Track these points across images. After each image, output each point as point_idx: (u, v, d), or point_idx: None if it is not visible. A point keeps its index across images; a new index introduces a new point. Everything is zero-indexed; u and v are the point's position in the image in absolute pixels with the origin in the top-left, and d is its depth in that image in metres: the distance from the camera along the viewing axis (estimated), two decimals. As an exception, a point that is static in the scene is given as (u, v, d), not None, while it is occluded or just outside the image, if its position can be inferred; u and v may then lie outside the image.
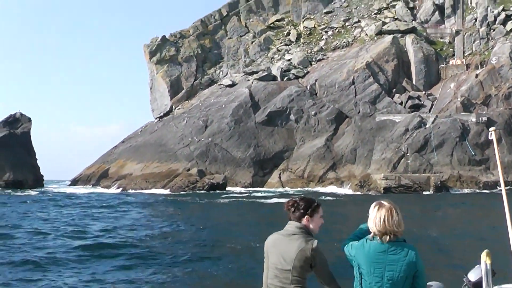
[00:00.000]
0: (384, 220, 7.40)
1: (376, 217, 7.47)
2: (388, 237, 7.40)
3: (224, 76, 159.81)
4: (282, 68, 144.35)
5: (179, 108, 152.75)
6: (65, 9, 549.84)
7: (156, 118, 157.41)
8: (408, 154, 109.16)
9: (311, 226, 8.18)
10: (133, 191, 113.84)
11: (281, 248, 7.95)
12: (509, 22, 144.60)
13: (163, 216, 55.17)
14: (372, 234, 7.55)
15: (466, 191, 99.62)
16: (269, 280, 8.10)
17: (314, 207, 8.25)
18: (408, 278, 7.36)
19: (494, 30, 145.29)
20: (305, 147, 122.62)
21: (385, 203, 7.62)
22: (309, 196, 8.58)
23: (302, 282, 7.95)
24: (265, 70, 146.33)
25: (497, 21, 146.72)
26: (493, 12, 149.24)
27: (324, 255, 7.94)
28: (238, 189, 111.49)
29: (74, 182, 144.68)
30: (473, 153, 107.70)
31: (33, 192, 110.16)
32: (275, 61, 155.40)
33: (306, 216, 8.11)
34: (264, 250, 8.25)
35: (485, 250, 8.52)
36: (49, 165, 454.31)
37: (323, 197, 77.66)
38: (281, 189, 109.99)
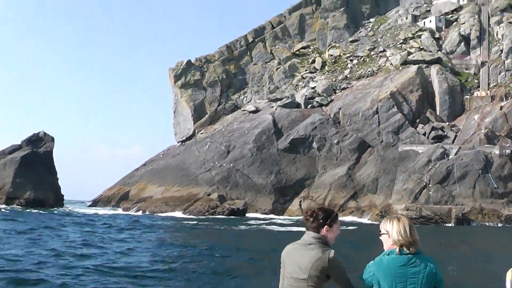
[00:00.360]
0: (408, 231, 7.47)
1: (400, 229, 7.52)
2: (412, 248, 7.46)
3: (248, 102, 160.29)
4: (306, 95, 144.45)
5: (202, 133, 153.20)
6: (93, 31, 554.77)
7: (178, 142, 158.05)
8: (430, 185, 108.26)
9: (329, 236, 8.21)
10: (153, 214, 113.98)
11: (297, 258, 7.96)
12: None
13: (180, 240, 55.05)
14: (397, 247, 7.53)
15: (487, 224, 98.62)
16: None
17: (333, 217, 8.32)
18: None
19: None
20: (326, 175, 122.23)
21: (400, 216, 7.74)
22: (327, 207, 8.65)
23: None
24: (289, 97, 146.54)
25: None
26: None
27: (342, 264, 7.94)
28: (258, 215, 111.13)
29: (94, 203, 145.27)
30: (495, 186, 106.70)
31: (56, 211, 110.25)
32: (299, 89, 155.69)
33: (326, 226, 8.15)
34: (280, 259, 8.25)
35: (511, 269, 8.62)
36: (70, 185, 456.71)
37: (344, 226, 77.13)
38: (301, 217, 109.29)
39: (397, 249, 7.48)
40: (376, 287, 7.50)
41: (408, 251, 7.44)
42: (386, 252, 7.61)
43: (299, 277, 7.89)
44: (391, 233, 7.59)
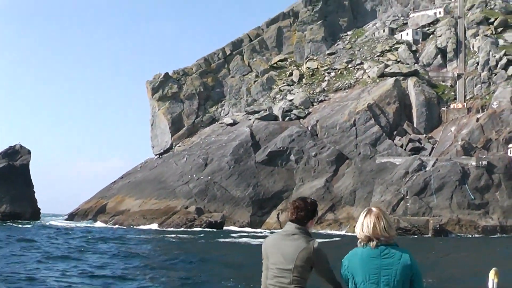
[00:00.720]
0: (371, 226, 7.32)
1: (363, 223, 7.42)
2: (374, 242, 7.31)
3: (226, 115, 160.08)
4: (283, 108, 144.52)
5: (179, 146, 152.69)
6: (70, 44, 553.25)
7: (156, 155, 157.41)
8: (407, 197, 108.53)
9: (310, 227, 8.20)
10: (130, 227, 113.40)
11: (282, 248, 7.89)
12: (511, 67, 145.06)
13: (147, 253, 54.67)
14: (359, 240, 7.48)
15: (464, 235, 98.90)
16: (268, 281, 8.01)
17: (317, 210, 8.42)
18: (405, 282, 7.22)
19: (495, 74, 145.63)
20: (304, 187, 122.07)
21: (373, 209, 7.60)
22: (309, 197, 8.62)
23: (302, 283, 7.86)
24: (266, 110, 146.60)
25: (499, 66, 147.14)
26: (494, 56, 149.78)
27: (326, 255, 7.90)
28: (236, 228, 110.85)
29: (71, 217, 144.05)
30: (472, 197, 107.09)
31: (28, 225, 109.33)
32: (277, 101, 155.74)
33: (312, 218, 8.21)
34: (262, 251, 8.16)
35: (494, 268, 8.68)
36: (48, 199, 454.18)
37: (327, 239, 76.88)
38: (279, 230, 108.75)
39: (372, 243, 7.36)
40: (351, 279, 7.42)
41: (375, 244, 7.31)
42: (360, 244, 7.50)
43: (284, 267, 7.81)
44: (357, 226, 7.54)
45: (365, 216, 7.48)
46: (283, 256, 7.81)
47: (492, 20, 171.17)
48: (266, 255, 8.10)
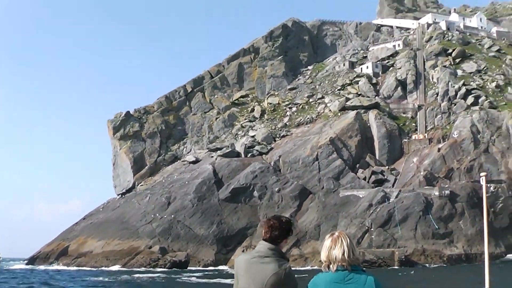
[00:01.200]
0: (332, 250, 7.35)
1: (325, 247, 7.52)
2: (335, 266, 7.26)
3: (188, 153, 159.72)
4: (246, 144, 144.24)
5: (142, 185, 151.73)
6: (29, 81, 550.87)
7: (118, 195, 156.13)
8: (372, 229, 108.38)
9: (283, 248, 8.16)
10: (93, 268, 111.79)
11: (252, 272, 7.72)
12: (470, 97, 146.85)
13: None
14: (323, 265, 7.49)
15: (430, 265, 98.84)
16: None
17: (292, 230, 8.41)
18: None
19: (455, 104, 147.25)
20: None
21: (336, 233, 7.70)
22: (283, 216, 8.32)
23: None
24: (229, 147, 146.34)
25: (458, 96, 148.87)
26: (454, 87, 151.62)
27: (296, 279, 7.77)
28: (200, 267, 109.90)
29: (32, 260, 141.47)
30: (436, 227, 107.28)
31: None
32: (239, 138, 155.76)
33: (286, 238, 8.18)
34: (234, 271, 8.11)
35: None
36: (7, 243, 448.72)
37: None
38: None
39: (332, 266, 7.31)
40: None
41: (341, 268, 7.24)
42: (324, 269, 7.44)
43: None
44: (322, 250, 7.58)
45: (328, 240, 7.51)
46: (253, 281, 7.63)
47: (450, 51, 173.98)
48: (237, 277, 7.95)
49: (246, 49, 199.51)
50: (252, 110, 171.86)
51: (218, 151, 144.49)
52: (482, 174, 14.44)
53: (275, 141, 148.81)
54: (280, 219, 8.34)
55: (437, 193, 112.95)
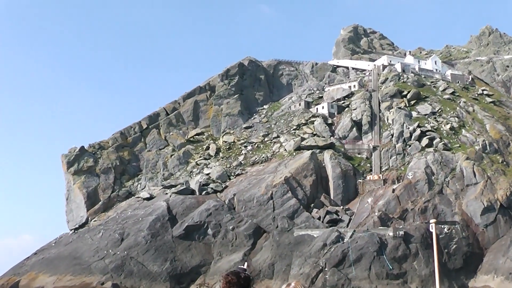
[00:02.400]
0: None
1: None
2: None
3: (142, 189, 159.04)
4: (200, 182, 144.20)
5: (95, 220, 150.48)
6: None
7: (71, 230, 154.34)
8: (326, 269, 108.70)
9: None
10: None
11: None
12: (424, 138, 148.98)
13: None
14: None
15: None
16: None
17: (250, 284, 8.14)
18: None
19: (409, 146, 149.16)
20: (222, 261, 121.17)
21: (292, 284, 7.75)
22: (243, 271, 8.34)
23: None
24: (183, 184, 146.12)
25: (413, 137, 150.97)
26: (408, 128, 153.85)
27: None
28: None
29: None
30: (390, 267, 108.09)
31: None
32: (194, 175, 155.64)
33: None
34: None
35: None
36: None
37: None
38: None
39: None
40: None
41: None
42: None
43: None
44: None
45: None
46: None
47: (405, 93, 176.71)
48: None
49: (202, 87, 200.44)
50: (207, 148, 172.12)
51: (173, 188, 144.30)
52: (432, 221, 14.85)
53: (230, 179, 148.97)
54: (238, 275, 8.13)
55: (391, 234, 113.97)
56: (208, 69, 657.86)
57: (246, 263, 7.59)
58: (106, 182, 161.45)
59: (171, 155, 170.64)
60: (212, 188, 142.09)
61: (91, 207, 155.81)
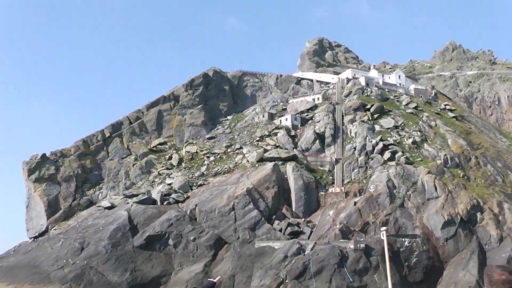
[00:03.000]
0: None
1: None
2: None
3: (104, 198, 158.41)
4: (162, 192, 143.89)
5: (55, 229, 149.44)
6: None
7: (30, 238, 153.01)
8: (287, 281, 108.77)
9: None
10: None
11: None
12: (387, 152, 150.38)
13: None
14: None
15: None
16: None
17: None
18: None
19: (372, 159, 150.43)
20: (183, 272, 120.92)
21: None
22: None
23: None
24: (145, 194, 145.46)
25: (375, 151, 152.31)
26: (371, 142, 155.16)
27: None
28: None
29: None
30: (351, 280, 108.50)
31: None
32: (156, 185, 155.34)
33: None
34: None
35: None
36: None
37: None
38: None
39: None
40: None
41: None
42: None
43: None
44: None
45: None
46: None
47: (368, 106, 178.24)
48: None
49: (166, 97, 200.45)
50: (170, 158, 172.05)
51: (134, 198, 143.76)
52: (382, 228, 15.19)
53: (192, 189, 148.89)
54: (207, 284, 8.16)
55: (352, 246, 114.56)
56: (173, 79, 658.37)
57: (219, 277, 7.81)
58: (67, 191, 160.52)
59: (134, 164, 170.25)
60: (174, 198, 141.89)
61: (52, 216, 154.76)
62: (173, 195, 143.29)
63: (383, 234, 11.72)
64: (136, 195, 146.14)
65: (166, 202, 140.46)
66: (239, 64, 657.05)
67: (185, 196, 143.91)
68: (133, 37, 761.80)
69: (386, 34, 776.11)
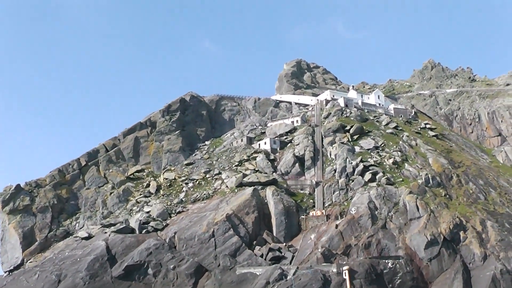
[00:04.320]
0: None
1: None
2: None
3: (81, 228, 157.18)
4: (140, 220, 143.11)
5: (31, 261, 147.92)
6: None
7: (5, 272, 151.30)
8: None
9: None
10: None
11: None
12: (367, 173, 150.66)
13: None
14: None
15: None
16: None
17: None
18: None
19: (352, 181, 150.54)
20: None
21: None
22: None
23: None
24: (123, 222, 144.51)
25: (356, 172, 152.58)
26: (351, 163, 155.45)
27: None
28: None
29: None
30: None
31: None
32: (134, 213, 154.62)
33: None
34: None
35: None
36: None
37: None
38: None
39: None
40: None
41: None
42: None
43: None
44: None
45: None
46: None
47: (348, 127, 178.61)
48: None
49: (142, 123, 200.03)
50: (148, 185, 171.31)
51: (112, 227, 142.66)
52: (344, 268, 14.61)
53: (170, 217, 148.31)
54: None
55: (335, 270, 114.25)
56: (149, 105, 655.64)
57: None
58: (43, 222, 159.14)
59: (111, 193, 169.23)
60: (152, 227, 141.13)
61: (27, 248, 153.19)
62: (152, 223, 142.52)
63: (345, 273, 11.34)
64: (114, 224, 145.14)
65: (144, 230, 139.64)
66: (216, 88, 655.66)
67: (164, 224, 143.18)
68: (108, 62, 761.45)
69: (364, 54, 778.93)
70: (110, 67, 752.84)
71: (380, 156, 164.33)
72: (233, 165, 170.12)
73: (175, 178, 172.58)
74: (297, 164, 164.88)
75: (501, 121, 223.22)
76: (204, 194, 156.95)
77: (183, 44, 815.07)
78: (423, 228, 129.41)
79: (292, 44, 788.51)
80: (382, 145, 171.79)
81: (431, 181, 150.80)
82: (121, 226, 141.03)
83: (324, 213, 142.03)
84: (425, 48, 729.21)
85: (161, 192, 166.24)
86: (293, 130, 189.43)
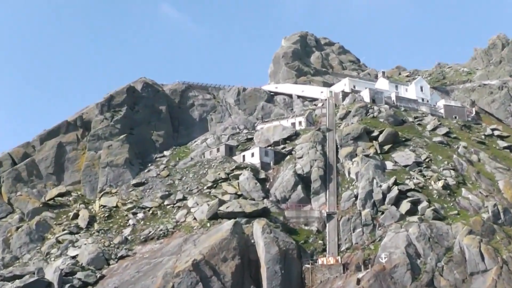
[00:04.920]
0: None
1: None
2: None
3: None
4: (62, 270, 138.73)
5: None
6: None
7: None
8: None
9: None
10: None
11: None
12: (405, 202, 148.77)
13: None
14: None
15: None
16: None
17: None
18: None
19: (382, 213, 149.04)
20: None
21: None
22: None
23: None
24: (34, 274, 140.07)
25: (387, 200, 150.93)
26: (380, 186, 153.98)
27: None
28: None
29: None
30: None
31: None
32: (53, 259, 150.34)
33: None
34: None
35: None
36: None
37: None
38: None
39: None
40: None
41: None
42: None
43: None
44: None
45: None
46: None
47: (375, 133, 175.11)
48: None
49: (70, 122, 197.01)
50: (76, 216, 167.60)
51: (17, 281, 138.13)
52: None
53: (109, 264, 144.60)
54: None
55: None
56: (80, 95, 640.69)
57: None
58: None
59: (18, 228, 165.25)
60: (80, 280, 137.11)
61: None
62: (80, 274, 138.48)
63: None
64: (21, 276, 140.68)
65: (68, 285, 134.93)
66: (181, 73, 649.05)
67: (98, 275, 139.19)
68: (24, 29, 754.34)
69: (401, 26, 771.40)
70: (22, 37, 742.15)
71: (424, 176, 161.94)
72: (205, 187, 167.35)
73: (117, 206, 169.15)
74: (299, 187, 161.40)
75: None
76: (161, 230, 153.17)
77: (131, 8, 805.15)
78: (492, 287, 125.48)
79: (294, 10, 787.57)
80: (427, 160, 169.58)
81: (502, 216, 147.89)
82: (32, 279, 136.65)
83: (339, 261, 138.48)
84: (494, 17, 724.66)
85: (96, 226, 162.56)
86: (295, 136, 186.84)
